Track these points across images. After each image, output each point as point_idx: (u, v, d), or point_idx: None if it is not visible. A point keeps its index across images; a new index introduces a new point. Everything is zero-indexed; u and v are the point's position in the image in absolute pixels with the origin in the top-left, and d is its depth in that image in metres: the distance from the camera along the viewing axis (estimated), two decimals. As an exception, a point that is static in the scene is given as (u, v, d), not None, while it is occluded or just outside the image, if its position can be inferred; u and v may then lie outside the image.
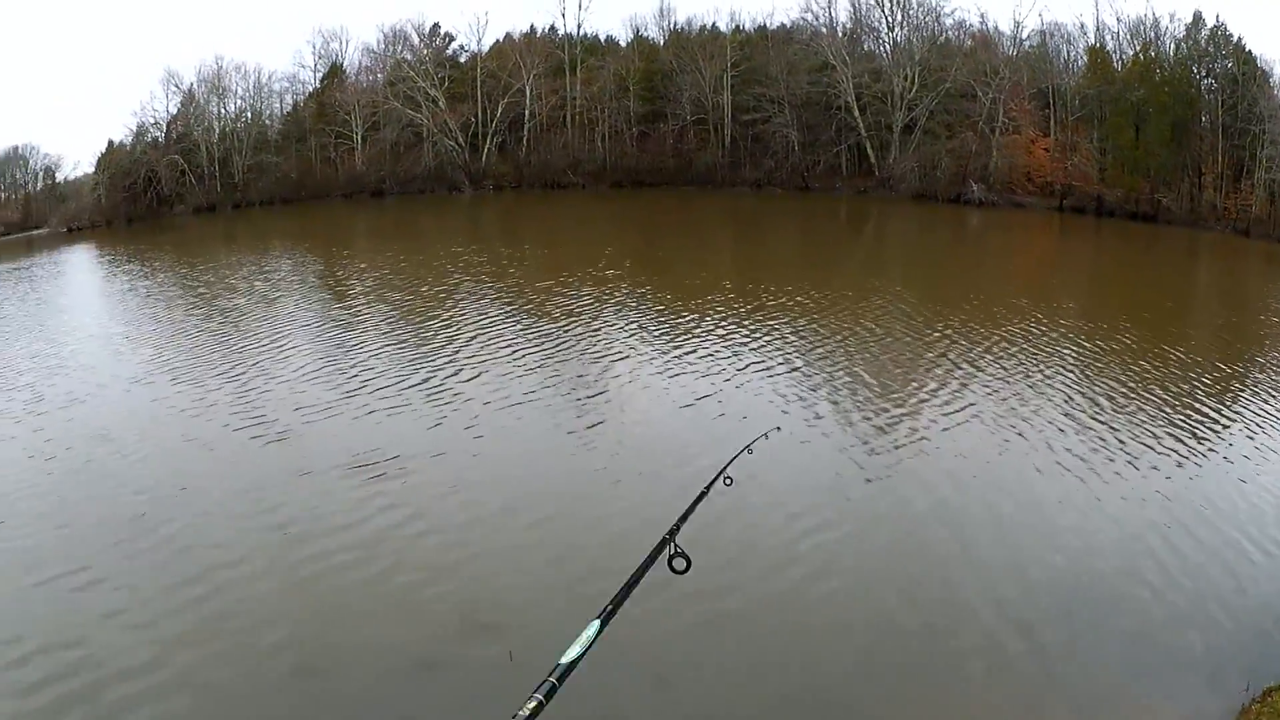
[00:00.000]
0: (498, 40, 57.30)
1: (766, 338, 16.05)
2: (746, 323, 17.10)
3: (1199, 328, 19.35)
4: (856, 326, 16.85)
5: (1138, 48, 42.62)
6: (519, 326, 17.19)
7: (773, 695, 6.32)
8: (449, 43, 58.28)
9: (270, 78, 59.70)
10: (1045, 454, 10.73)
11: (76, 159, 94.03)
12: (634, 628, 5.79)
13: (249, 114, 59.68)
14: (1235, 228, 36.26)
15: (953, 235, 34.63)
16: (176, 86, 58.87)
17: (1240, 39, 38.75)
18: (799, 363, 14.64)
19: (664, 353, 15.18)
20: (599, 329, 16.83)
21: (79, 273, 34.00)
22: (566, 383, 13.59)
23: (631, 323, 17.45)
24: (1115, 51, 43.82)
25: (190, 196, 55.90)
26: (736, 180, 48.12)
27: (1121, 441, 11.20)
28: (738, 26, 54.84)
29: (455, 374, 14.05)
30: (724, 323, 17.12)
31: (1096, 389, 13.40)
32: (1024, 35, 46.01)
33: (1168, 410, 12.60)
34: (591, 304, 19.08)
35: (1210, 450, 11.23)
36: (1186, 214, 37.50)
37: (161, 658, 6.69)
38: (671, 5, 57.67)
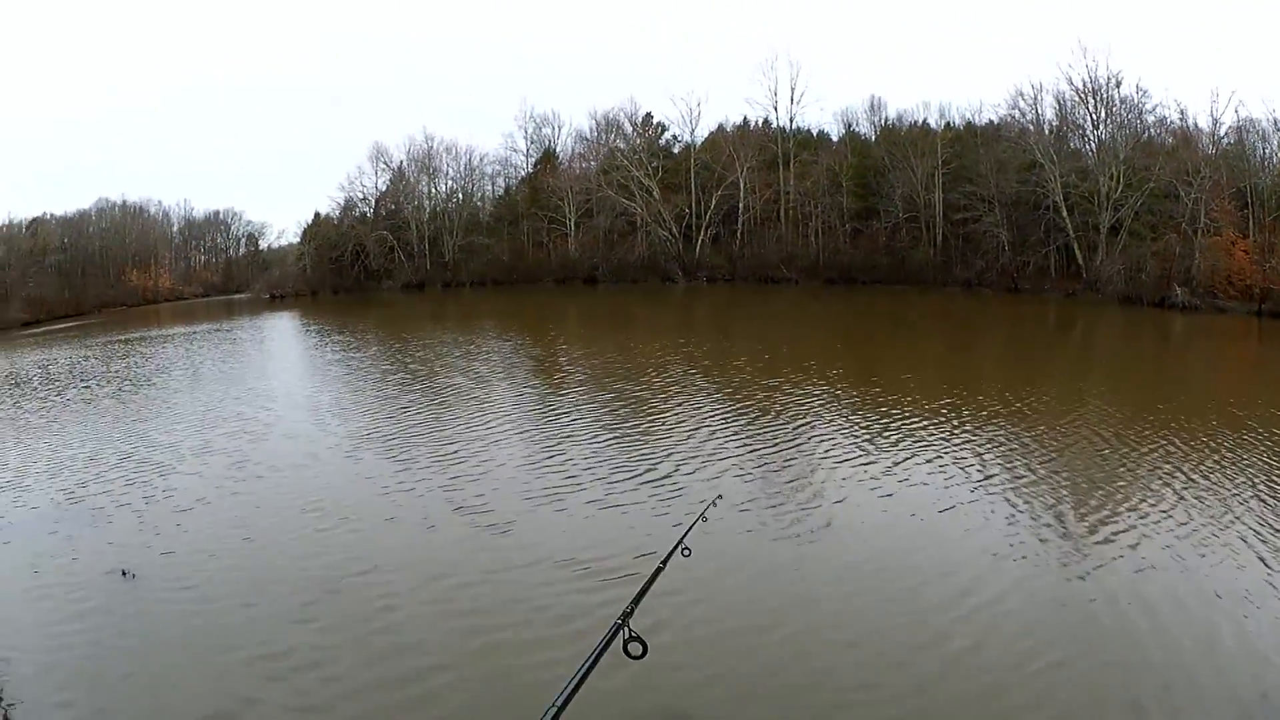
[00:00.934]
0: (710, 132, 57.87)
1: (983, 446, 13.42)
2: (973, 430, 14.07)
3: None
4: (1078, 435, 14.09)
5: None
6: (743, 421, 15.22)
7: None
8: (662, 132, 58.77)
9: (482, 160, 61.47)
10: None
11: (281, 228, 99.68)
12: None
13: (460, 194, 61.02)
14: None
15: (1157, 342, 29.65)
16: (385, 164, 61.33)
17: None
18: (1042, 472, 12.06)
19: (894, 461, 12.57)
20: (824, 431, 14.46)
21: (285, 338, 35.65)
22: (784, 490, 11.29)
23: (853, 424, 14.98)
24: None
25: (399, 272, 57.79)
26: (948, 280, 45.69)
27: None
28: (948, 123, 52.65)
29: (694, 471, 12.10)
30: (959, 431, 14.28)
31: None
32: (1221, 132, 42.15)
33: None
34: (820, 402, 16.79)
35: None
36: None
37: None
38: (882, 100, 55.80)
